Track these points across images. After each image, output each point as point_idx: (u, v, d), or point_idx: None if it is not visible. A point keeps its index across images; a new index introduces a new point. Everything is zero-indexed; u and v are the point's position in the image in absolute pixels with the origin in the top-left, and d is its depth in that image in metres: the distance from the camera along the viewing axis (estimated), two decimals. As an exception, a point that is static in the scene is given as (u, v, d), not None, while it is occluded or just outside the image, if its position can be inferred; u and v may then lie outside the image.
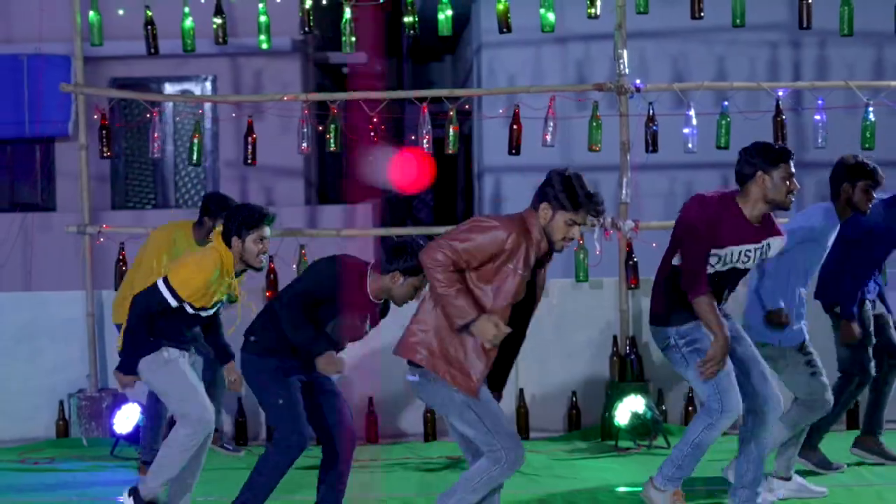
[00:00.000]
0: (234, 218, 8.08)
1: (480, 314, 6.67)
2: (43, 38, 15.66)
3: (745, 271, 7.86)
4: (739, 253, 7.71)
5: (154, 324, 8.02)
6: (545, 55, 16.52)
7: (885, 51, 16.08)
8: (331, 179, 21.79)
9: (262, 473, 7.76)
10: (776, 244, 7.89)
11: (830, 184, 9.05)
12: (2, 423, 11.66)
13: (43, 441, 11.43)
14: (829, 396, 8.70)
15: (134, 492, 8.08)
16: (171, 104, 17.27)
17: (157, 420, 9.94)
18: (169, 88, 17.61)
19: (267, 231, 8.07)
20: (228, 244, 8.06)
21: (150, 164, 17.44)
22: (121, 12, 13.34)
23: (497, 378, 7.10)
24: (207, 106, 17.37)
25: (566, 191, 6.82)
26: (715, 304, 7.61)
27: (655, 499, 7.83)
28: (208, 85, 17.71)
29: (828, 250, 8.86)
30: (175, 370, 8.09)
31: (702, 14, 11.56)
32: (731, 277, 7.82)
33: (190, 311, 8.05)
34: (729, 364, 7.67)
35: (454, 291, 6.66)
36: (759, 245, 7.77)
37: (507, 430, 6.85)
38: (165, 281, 7.97)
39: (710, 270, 7.68)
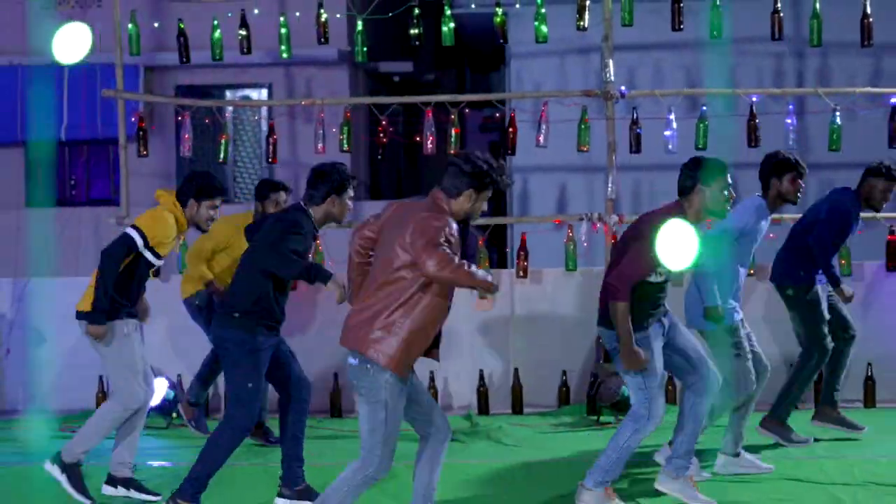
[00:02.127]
0: (194, 182, 8.16)
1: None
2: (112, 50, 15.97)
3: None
4: None
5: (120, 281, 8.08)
6: (569, 64, 16.61)
7: (883, 60, 15.99)
8: (385, 178, 21.99)
9: (215, 449, 7.75)
10: None
11: (760, 179, 8.98)
12: (48, 395, 11.94)
13: (83, 412, 11.67)
14: (752, 378, 8.64)
15: (57, 458, 8.25)
16: (230, 109, 17.55)
17: (210, 368, 10.32)
18: (229, 95, 17.95)
19: (219, 201, 8.18)
20: (184, 204, 8.14)
21: (211, 162, 17.70)
22: (156, 25, 13.58)
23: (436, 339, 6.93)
24: (264, 110, 17.72)
25: (482, 175, 6.79)
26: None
27: (588, 499, 7.76)
28: (265, 92, 17.99)
29: (759, 242, 8.88)
30: (127, 347, 8.17)
31: (682, 27, 11.58)
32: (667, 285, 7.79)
33: (151, 258, 8.09)
34: (660, 373, 7.69)
35: (468, 268, 6.54)
36: None
37: (393, 446, 6.69)
38: (134, 227, 8.02)
39: (654, 279, 7.63)
